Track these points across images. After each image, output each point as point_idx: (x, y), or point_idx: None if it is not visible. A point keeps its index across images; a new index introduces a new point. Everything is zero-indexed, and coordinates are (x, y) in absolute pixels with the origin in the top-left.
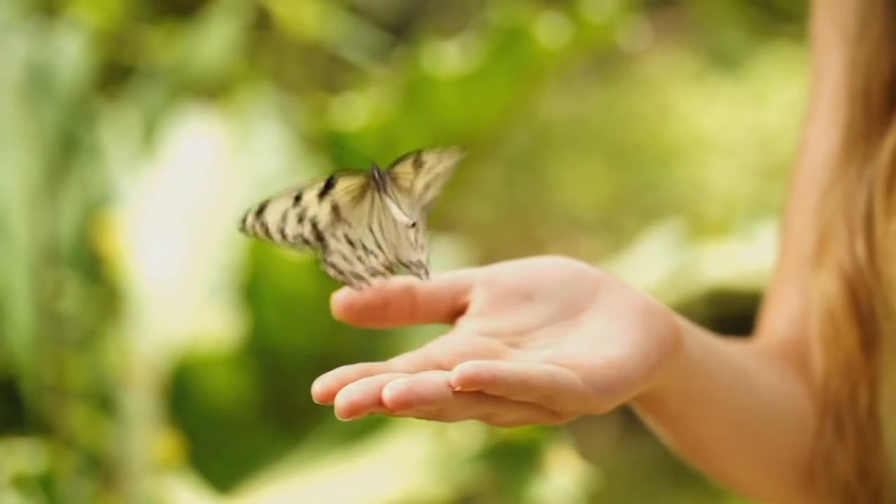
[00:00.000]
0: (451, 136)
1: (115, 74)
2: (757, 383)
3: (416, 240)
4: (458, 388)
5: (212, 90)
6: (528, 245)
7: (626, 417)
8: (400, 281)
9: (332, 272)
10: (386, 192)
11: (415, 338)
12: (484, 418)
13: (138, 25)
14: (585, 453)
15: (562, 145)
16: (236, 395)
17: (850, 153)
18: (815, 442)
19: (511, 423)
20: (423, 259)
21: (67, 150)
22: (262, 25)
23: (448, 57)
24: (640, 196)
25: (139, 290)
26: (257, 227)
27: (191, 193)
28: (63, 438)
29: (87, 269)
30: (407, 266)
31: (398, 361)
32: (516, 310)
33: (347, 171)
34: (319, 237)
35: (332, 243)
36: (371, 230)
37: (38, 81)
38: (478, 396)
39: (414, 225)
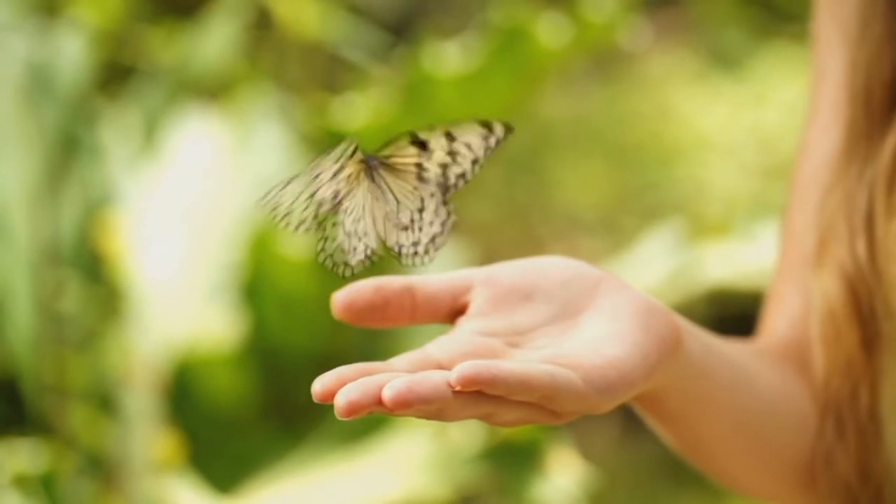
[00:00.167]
0: None
1: (116, 74)
2: (758, 383)
3: (412, 222)
4: (457, 388)
5: (212, 90)
6: (529, 245)
7: (627, 417)
8: (400, 281)
9: (322, 258)
10: (372, 178)
11: (415, 338)
12: (484, 418)
13: (139, 25)
14: (586, 453)
15: (562, 145)
16: (237, 395)
17: (851, 153)
18: (816, 442)
19: (511, 422)
20: (424, 239)
21: (68, 150)
22: (262, 25)
23: (448, 57)
24: (641, 196)
25: (140, 289)
26: (272, 206)
27: (191, 193)
28: (64, 438)
29: (88, 269)
30: (397, 252)
31: (398, 361)
32: (516, 310)
33: (345, 154)
34: (322, 222)
35: (328, 230)
36: (363, 216)
37: (38, 81)
38: (477, 396)
39: (403, 208)
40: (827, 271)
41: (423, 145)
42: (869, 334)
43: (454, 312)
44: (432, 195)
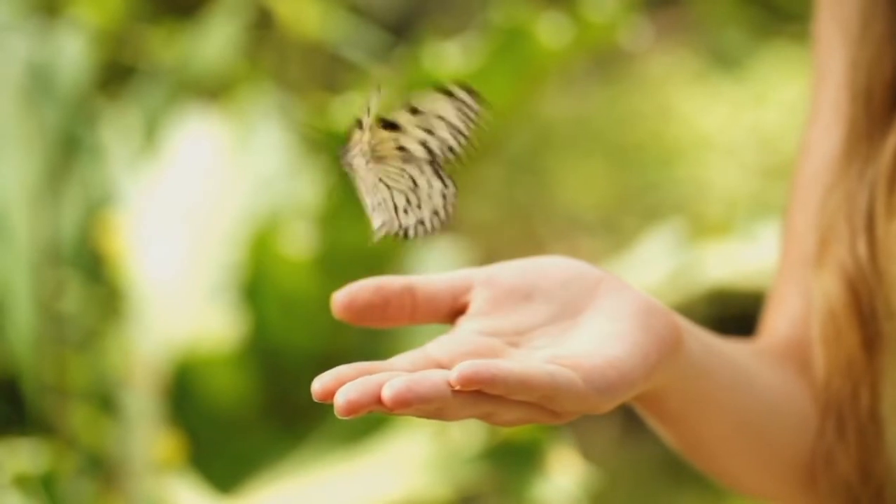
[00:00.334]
0: None
1: (116, 74)
2: (758, 383)
3: (408, 202)
4: (457, 387)
5: (212, 90)
6: (529, 245)
7: (627, 417)
8: (400, 280)
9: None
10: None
11: (415, 338)
12: (483, 417)
13: (139, 25)
14: (586, 453)
15: (563, 145)
16: (237, 395)
17: (851, 153)
18: (817, 442)
19: (511, 422)
20: (427, 214)
21: (68, 150)
22: (262, 25)
23: (449, 57)
24: (641, 196)
25: (140, 289)
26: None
27: (191, 193)
28: (64, 438)
29: (89, 269)
30: (404, 234)
31: (398, 360)
32: (516, 310)
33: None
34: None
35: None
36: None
37: (39, 81)
38: (477, 396)
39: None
40: (828, 271)
41: (393, 126)
42: (870, 334)
43: (454, 312)
44: (422, 171)
